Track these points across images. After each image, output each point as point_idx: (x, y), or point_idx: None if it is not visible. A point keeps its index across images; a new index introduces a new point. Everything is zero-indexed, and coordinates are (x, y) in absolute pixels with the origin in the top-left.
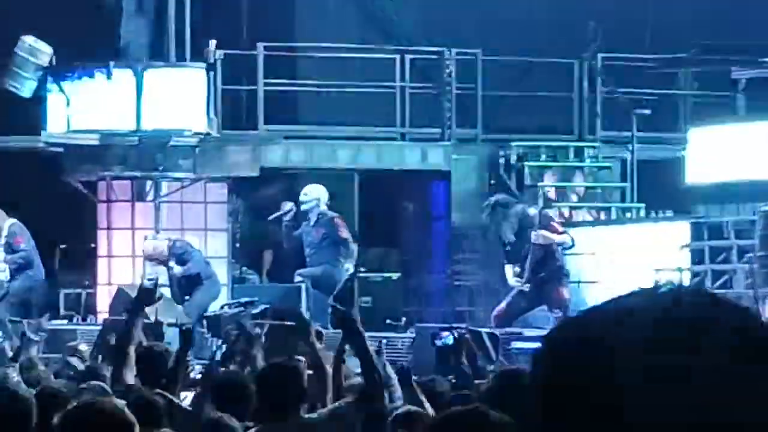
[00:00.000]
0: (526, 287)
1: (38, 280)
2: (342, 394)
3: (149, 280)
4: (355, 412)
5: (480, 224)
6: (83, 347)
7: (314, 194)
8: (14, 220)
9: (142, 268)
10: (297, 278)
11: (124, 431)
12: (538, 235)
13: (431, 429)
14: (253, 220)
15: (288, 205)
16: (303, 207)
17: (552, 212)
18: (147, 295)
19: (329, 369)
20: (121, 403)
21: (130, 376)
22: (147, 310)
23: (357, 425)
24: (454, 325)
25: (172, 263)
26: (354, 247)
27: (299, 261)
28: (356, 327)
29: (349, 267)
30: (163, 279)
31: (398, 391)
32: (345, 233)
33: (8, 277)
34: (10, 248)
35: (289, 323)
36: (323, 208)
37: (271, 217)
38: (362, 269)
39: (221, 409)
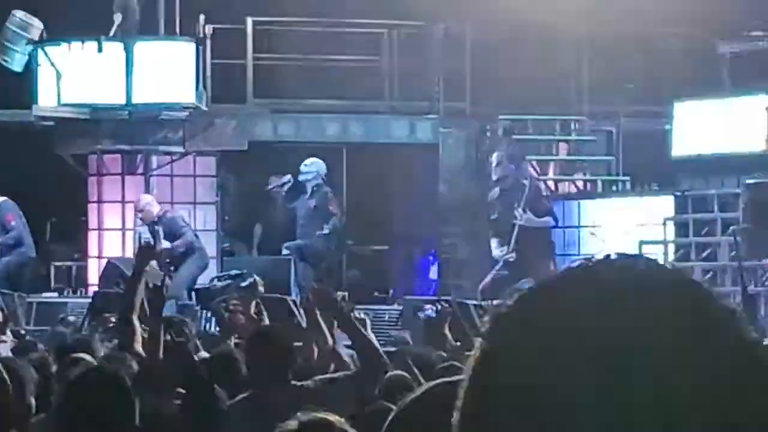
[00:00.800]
0: (511, 257)
1: (30, 257)
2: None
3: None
4: (350, 382)
5: (468, 197)
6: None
7: (314, 167)
8: (4, 198)
9: (132, 241)
10: (284, 251)
11: (123, 398)
12: (522, 217)
13: (412, 402)
14: (242, 194)
15: (286, 176)
16: (302, 177)
17: (541, 185)
18: (147, 250)
19: (330, 342)
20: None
21: (138, 346)
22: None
23: (351, 393)
24: (442, 297)
25: (160, 232)
26: (340, 223)
27: (288, 234)
28: (336, 305)
29: (332, 239)
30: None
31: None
32: (334, 208)
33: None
34: (2, 227)
35: (289, 298)
36: (320, 181)
37: (268, 187)
38: (350, 242)
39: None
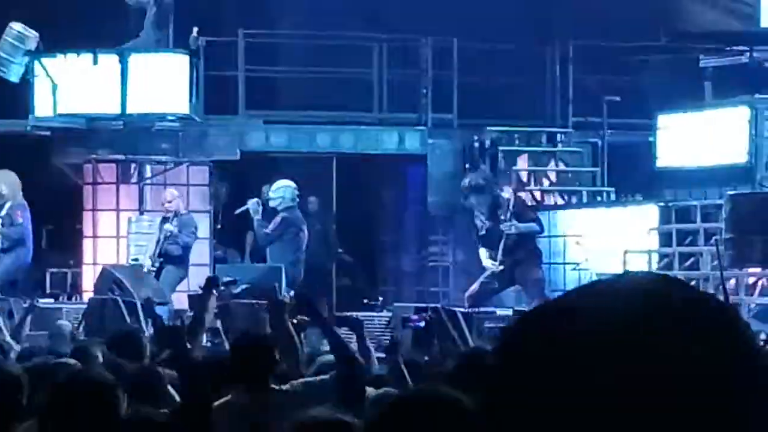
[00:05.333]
0: (499, 269)
1: (27, 261)
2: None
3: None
4: (332, 385)
5: (455, 207)
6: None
7: (280, 192)
8: (22, 199)
9: (126, 249)
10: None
11: (109, 402)
12: (510, 226)
13: (389, 408)
14: (234, 202)
15: (251, 202)
16: (271, 203)
17: (524, 195)
18: (212, 282)
19: (299, 345)
20: (109, 376)
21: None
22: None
23: (333, 397)
24: (430, 305)
25: (172, 224)
26: (269, 243)
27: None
28: (315, 309)
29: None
30: (141, 260)
31: (375, 364)
32: (269, 229)
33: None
34: (9, 220)
35: (262, 301)
36: (290, 204)
37: (237, 212)
38: (341, 250)
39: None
